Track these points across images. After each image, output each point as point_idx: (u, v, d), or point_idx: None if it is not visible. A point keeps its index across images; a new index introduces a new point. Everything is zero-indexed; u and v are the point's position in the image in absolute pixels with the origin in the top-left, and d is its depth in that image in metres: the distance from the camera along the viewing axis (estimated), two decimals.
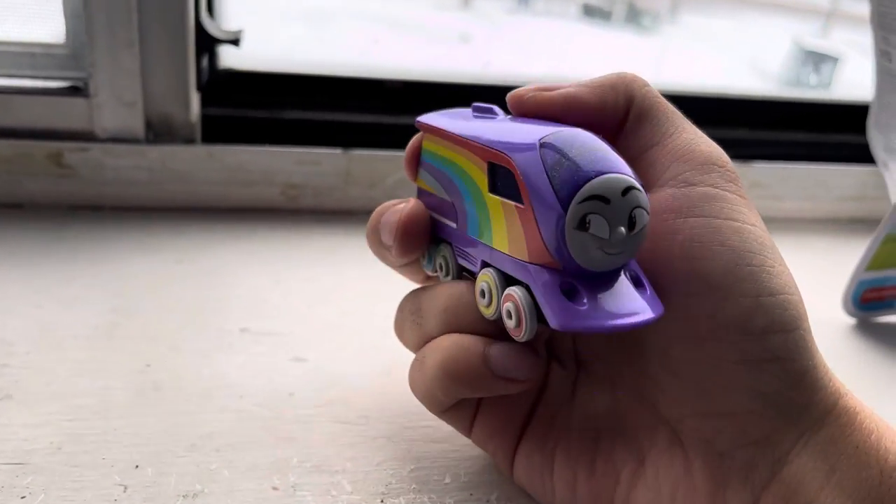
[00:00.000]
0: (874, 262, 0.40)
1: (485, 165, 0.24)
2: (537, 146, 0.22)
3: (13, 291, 0.36)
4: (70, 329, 0.34)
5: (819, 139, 0.56)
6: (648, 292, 0.22)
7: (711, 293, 0.22)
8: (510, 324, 0.23)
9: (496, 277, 0.23)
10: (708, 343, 0.22)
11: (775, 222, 0.53)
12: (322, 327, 0.36)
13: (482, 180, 0.24)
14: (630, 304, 0.21)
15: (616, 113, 0.25)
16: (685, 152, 0.24)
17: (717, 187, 0.23)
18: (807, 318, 0.22)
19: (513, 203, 0.22)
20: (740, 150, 0.53)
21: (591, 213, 0.20)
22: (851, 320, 0.43)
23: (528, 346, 0.24)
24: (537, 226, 0.21)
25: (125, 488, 0.26)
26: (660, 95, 0.26)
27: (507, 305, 0.22)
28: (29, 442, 0.27)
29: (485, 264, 0.24)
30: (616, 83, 0.25)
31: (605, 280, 0.22)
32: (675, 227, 0.23)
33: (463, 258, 0.25)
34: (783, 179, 0.52)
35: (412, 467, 0.28)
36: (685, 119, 0.26)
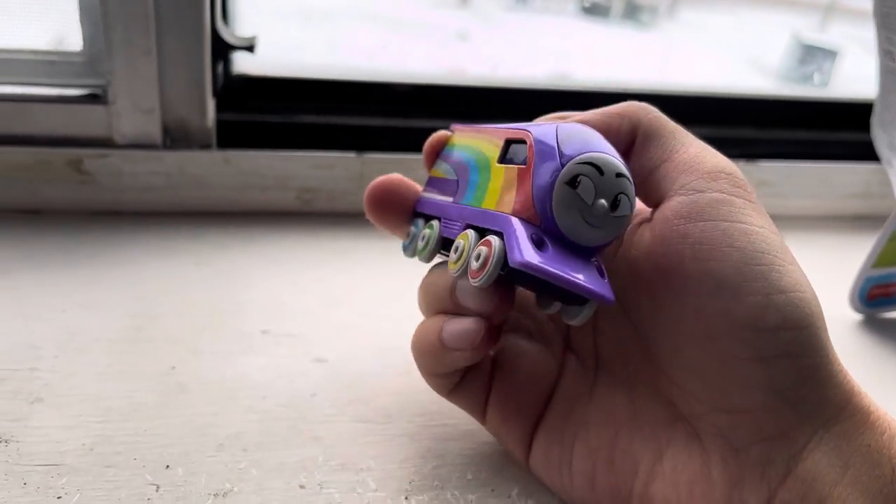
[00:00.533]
0: (881, 259, 0.41)
1: (501, 143, 0.26)
2: (555, 127, 0.24)
3: (37, 296, 0.37)
4: (95, 333, 0.35)
5: (823, 137, 0.57)
6: (606, 281, 0.24)
7: (723, 292, 0.23)
8: (474, 266, 0.24)
9: (473, 236, 0.25)
10: (721, 341, 0.23)
11: (781, 220, 0.53)
12: (340, 328, 0.37)
13: (494, 154, 0.26)
14: (588, 275, 0.23)
15: (622, 136, 0.26)
16: (693, 164, 0.25)
17: (724, 193, 0.24)
18: (821, 316, 0.23)
19: (516, 166, 0.24)
20: (746, 149, 0.54)
21: (583, 175, 0.23)
22: (858, 317, 0.43)
23: (478, 320, 0.26)
24: (532, 181, 0.23)
25: (157, 488, 0.26)
26: (665, 117, 0.27)
27: (480, 249, 0.24)
28: (62, 444, 0.28)
29: (467, 227, 0.25)
30: (624, 110, 0.27)
31: (573, 251, 0.23)
32: (685, 230, 0.24)
33: (447, 231, 0.27)
34: (788, 178, 0.53)
35: (434, 464, 0.29)
36: (691, 136, 0.27)
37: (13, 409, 0.29)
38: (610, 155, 0.23)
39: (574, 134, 0.24)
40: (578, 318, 0.24)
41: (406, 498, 0.27)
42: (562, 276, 0.22)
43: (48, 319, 0.35)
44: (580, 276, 0.22)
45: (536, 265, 0.22)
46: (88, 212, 0.44)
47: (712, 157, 0.25)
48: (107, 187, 0.44)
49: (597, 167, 0.23)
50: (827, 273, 0.43)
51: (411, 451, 0.29)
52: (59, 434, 0.28)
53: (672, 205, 0.24)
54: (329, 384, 0.33)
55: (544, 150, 0.23)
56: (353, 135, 0.49)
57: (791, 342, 0.22)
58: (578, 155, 0.23)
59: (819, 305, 0.23)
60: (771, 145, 0.56)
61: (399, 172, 0.47)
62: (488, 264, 0.23)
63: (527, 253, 0.22)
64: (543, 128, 0.24)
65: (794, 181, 0.53)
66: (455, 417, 0.31)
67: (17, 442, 0.28)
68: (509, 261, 0.22)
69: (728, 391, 0.23)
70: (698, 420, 0.24)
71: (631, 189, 0.24)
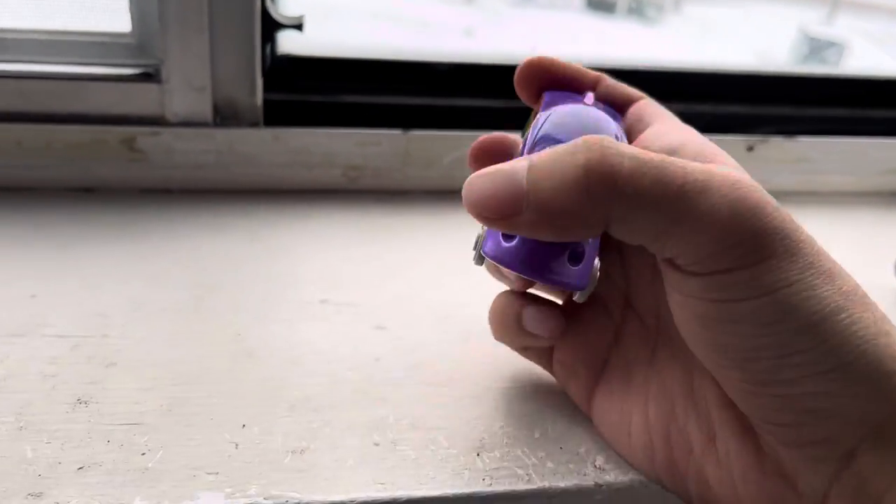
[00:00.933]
0: None
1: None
2: (549, 114, 0.27)
3: (99, 269, 0.37)
4: (159, 303, 0.35)
5: (859, 114, 0.57)
6: (581, 266, 0.25)
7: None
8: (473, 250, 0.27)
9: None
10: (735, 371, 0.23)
11: (820, 196, 0.54)
12: (397, 299, 0.37)
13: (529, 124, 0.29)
14: (554, 264, 0.24)
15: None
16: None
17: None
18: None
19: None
20: (782, 126, 0.54)
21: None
22: None
23: (559, 312, 0.28)
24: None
25: (236, 445, 0.27)
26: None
27: (478, 233, 0.27)
28: (140, 405, 0.29)
29: None
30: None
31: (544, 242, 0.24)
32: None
33: None
34: (826, 154, 0.53)
35: (502, 423, 0.29)
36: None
37: (89, 373, 0.30)
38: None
39: (567, 120, 0.25)
40: (577, 297, 0.26)
41: (478, 454, 0.28)
42: (516, 267, 0.24)
43: (112, 290, 0.36)
44: (539, 271, 0.24)
45: (499, 259, 0.25)
46: (140, 189, 0.45)
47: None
48: (158, 165, 0.44)
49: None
50: (870, 247, 0.43)
51: (478, 411, 0.30)
52: (136, 396, 0.29)
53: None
54: (391, 350, 0.33)
55: (533, 128, 0.26)
56: (396, 114, 0.49)
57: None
58: (548, 133, 0.25)
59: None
60: (807, 122, 0.56)
61: (444, 149, 0.48)
62: (476, 249, 0.27)
63: (488, 245, 0.25)
64: (553, 111, 0.27)
65: (833, 157, 0.53)
66: (519, 381, 0.32)
67: (97, 403, 0.29)
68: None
69: (761, 408, 0.23)
70: (752, 417, 0.24)
71: None
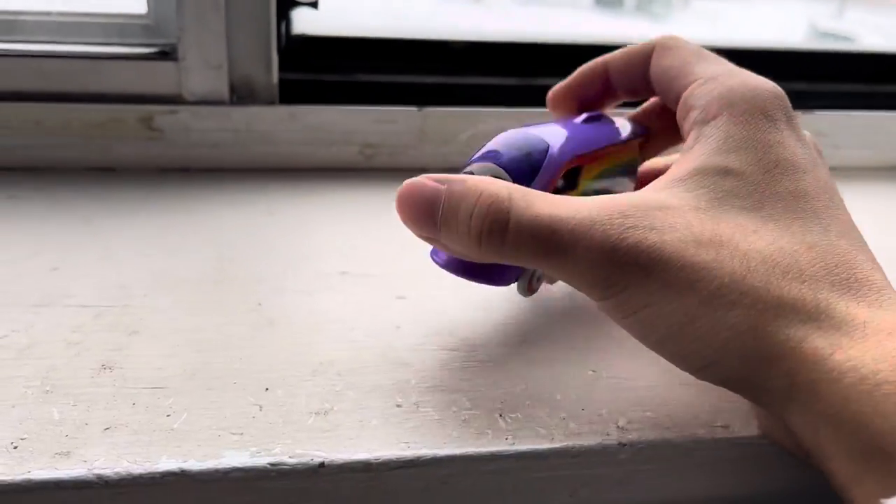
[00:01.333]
0: None
1: None
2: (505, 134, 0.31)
3: (120, 242, 0.38)
4: (179, 275, 0.35)
5: (876, 90, 0.57)
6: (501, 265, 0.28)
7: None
8: None
9: None
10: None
11: (836, 171, 0.53)
12: (415, 270, 0.37)
13: None
14: (479, 266, 0.29)
15: (639, 55, 0.34)
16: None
17: None
18: None
19: None
20: (799, 103, 0.54)
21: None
22: None
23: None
24: None
25: (260, 407, 0.27)
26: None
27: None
28: (163, 370, 0.29)
29: None
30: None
31: None
32: None
33: None
34: (845, 128, 0.53)
35: (523, 386, 0.29)
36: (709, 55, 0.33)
37: (113, 340, 0.30)
38: (495, 162, 0.28)
39: (502, 139, 0.29)
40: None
41: (500, 415, 0.28)
42: (444, 268, 0.30)
43: (133, 263, 0.36)
44: (461, 271, 0.29)
45: (435, 260, 0.30)
46: (158, 169, 0.45)
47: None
48: (176, 144, 0.45)
49: (470, 174, 0.28)
50: (885, 223, 0.43)
51: (499, 375, 0.30)
52: (159, 361, 0.29)
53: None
54: (412, 317, 0.33)
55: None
56: (411, 92, 0.49)
57: None
58: (471, 162, 0.29)
59: None
60: (823, 98, 0.56)
61: (460, 126, 0.48)
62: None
63: (431, 250, 0.30)
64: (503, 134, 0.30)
65: (850, 132, 0.53)
66: (539, 347, 0.32)
67: (121, 368, 0.29)
68: None
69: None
70: None
71: None
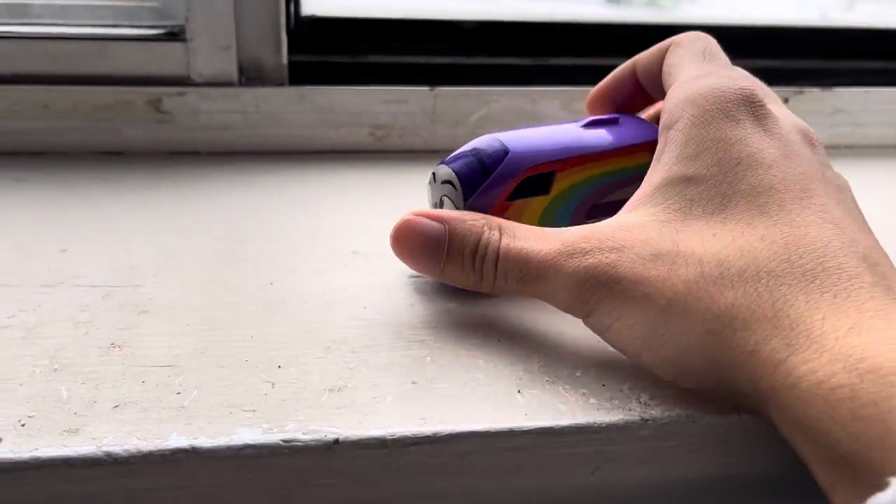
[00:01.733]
0: None
1: None
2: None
3: (129, 224, 0.37)
4: (189, 255, 0.35)
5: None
6: None
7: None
8: None
9: None
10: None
11: (856, 149, 0.53)
12: None
13: None
14: None
15: (658, 52, 0.34)
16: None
17: None
18: None
19: None
20: (818, 81, 0.53)
21: (429, 182, 0.33)
22: None
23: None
24: None
25: (273, 385, 0.27)
26: (702, 42, 0.34)
27: None
28: (174, 348, 0.28)
29: None
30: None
31: None
32: None
33: None
34: (865, 105, 0.52)
35: (541, 363, 0.29)
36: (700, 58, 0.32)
37: (122, 319, 0.30)
38: (449, 165, 0.31)
39: (474, 142, 0.32)
40: None
41: (519, 391, 0.27)
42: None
43: (142, 244, 0.36)
44: None
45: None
46: (167, 152, 0.45)
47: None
48: (185, 126, 0.44)
49: (433, 174, 0.32)
50: None
51: (518, 352, 0.29)
52: (169, 340, 0.29)
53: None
54: (425, 296, 0.33)
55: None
56: (422, 73, 0.49)
57: None
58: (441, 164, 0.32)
59: None
60: (842, 76, 0.55)
61: (472, 106, 0.47)
62: None
63: None
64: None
65: (870, 108, 0.52)
66: (557, 324, 0.31)
67: (131, 347, 0.28)
68: None
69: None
70: None
71: (455, 193, 0.31)
